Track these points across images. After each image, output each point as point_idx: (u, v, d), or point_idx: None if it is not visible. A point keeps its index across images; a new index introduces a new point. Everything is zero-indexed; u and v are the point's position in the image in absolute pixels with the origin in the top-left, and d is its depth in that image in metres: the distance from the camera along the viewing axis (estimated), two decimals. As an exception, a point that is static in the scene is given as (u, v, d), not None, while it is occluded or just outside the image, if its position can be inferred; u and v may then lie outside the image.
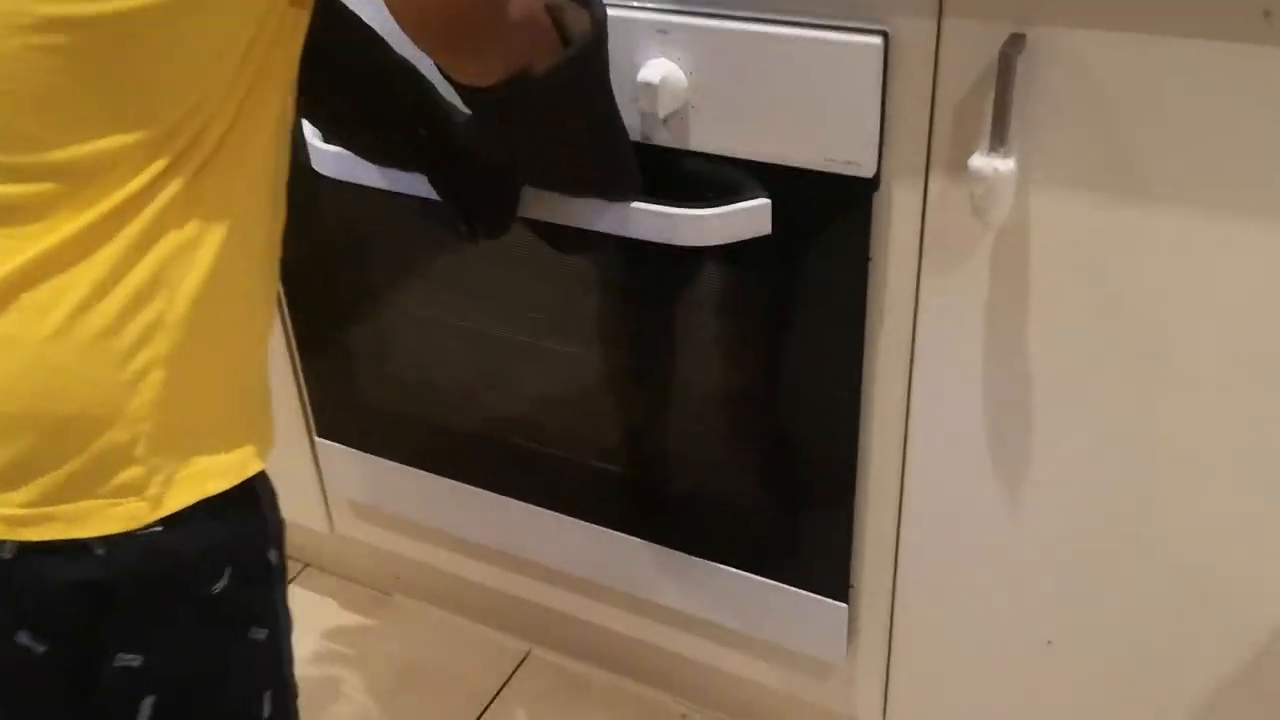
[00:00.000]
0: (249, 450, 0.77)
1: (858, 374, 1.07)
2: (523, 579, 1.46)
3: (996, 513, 1.08)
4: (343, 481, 1.49)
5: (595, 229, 1.05)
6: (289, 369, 1.44)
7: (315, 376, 1.43)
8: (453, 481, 1.39)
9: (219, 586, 0.76)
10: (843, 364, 1.06)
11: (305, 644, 1.59)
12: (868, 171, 0.96)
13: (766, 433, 1.15)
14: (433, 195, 1.08)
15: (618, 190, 1.02)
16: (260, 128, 0.75)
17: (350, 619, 1.65)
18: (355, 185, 1.15)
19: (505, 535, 1.40)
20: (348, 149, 1.08)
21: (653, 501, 1.27)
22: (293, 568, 1.72)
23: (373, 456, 1.43)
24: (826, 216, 1.00)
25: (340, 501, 1.54)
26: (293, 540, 1.67)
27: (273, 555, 0.81)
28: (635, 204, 1.02)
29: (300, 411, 1.47)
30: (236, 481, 0.75)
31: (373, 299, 1.32)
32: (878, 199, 0.98)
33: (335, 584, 1.71)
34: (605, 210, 1.03)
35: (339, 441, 1.45)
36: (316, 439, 1.47)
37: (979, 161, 0.90)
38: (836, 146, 0.96)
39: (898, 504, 1.13)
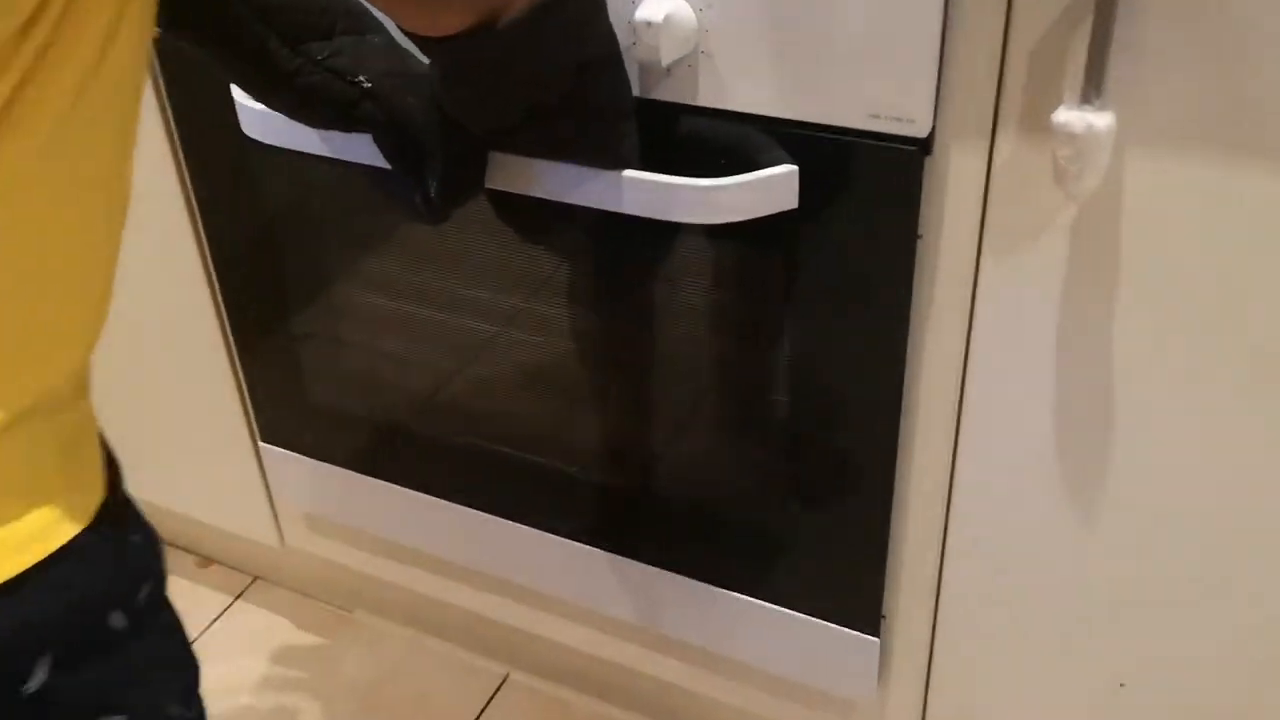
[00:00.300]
0: (57, 510, 0.57)
1: (899, 373, 0.90)
2: (499, 600, 1.30)
3: (1064, 536, 0.91)
4: (292, 491, 1.32)
5: (581, 203, 0.86)
6: (226, 365, 1.27)
7: (256, 374, 1.26)
8: (417, 493, 1.23)
9: (35, 685, 0.56)
10: (883, 362, 0.89)
11: (254, 668, 1.45)
12: (921, 130, 0.78)
13: (786, 440, 0.98)
14: (384, 162, 0.89)
15: (610, 156, 0.84)
16: (71, 84, 0.55)
17: (305, 639, 1.50)
18: (294, 152, 0.98)
19: (479, 553, 1.23)
20: (269, 105, 0.88)
21: (649, 518, 1.11)
22: (239, 581, 1.59)
23: (324, 464, 1.27)
24: (867, 186, 0.82)
25: (290, 513, 1.37)
26: (239, 551, 1.54)
27: (116, 618, 0.61)
28: (630, 173, 0.84)
29: (241, 414, 1.30)
30: (39, 558, 0.56)
31: (319, 285, 1.15)
32: (931, 164, 0.81)
33: (288, 599, 1.56)
34: (594, 180, 0.85)
35: (286, 447, 1.28)
36: (260, 444, 1.30)
37: (1067, 115, 0.72)
38: (882, 99, 0.78)
39: (943, 524, 0.96)
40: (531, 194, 0.87)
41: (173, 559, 1.58)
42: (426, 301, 1.09)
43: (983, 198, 0.81)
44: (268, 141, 0.97)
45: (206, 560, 1.60)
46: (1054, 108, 0.73)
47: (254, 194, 1.11)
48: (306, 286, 1.15)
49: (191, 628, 1.46)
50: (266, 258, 1.15)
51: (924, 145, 0.79)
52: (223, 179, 1.11)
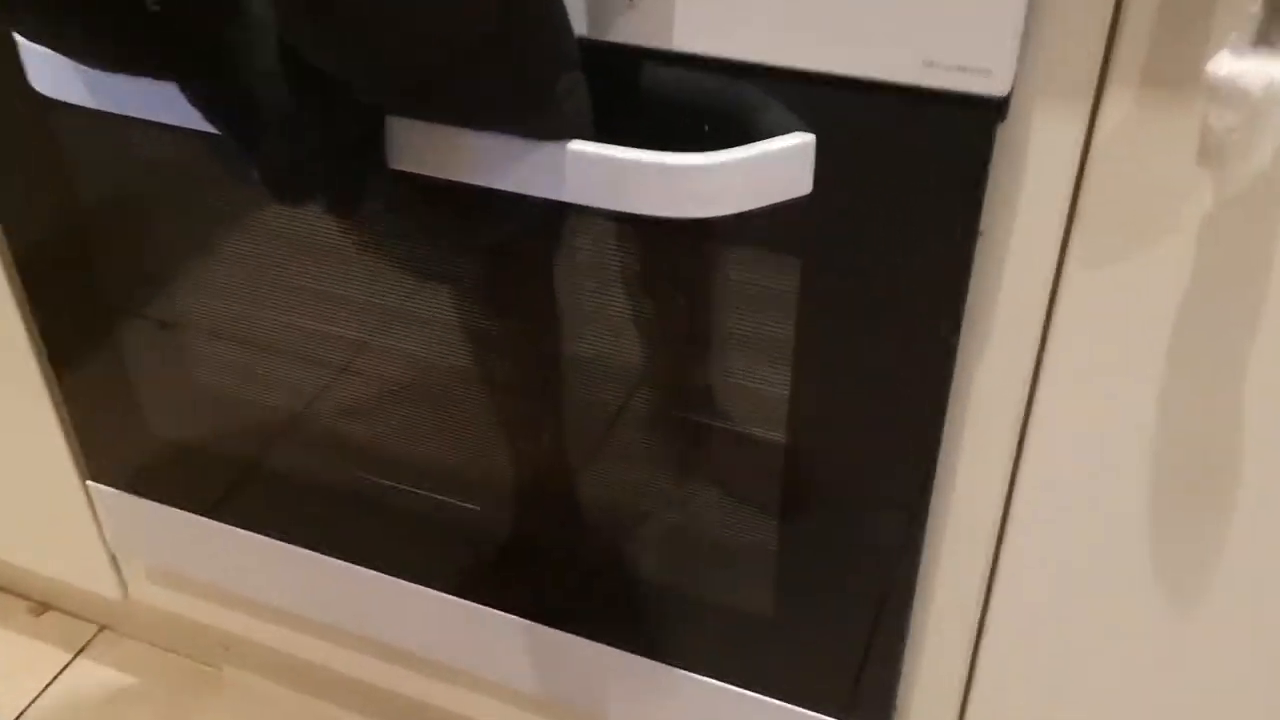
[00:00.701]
0: None
1: (938, 417, 0.67)
2: (392, 668, 1.05)
3: (1150, 636, 0.69)
4: (131, 538, 1.08)
5: (506, 189, 0.61)
6: (41, 389, 1.01)
7: (79, 400, 1.00)
8: (281, 543, 0.99)
9: None
10: (917, 403, 0.67)
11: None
12: (998, 86, 0.54)
13: (779, 491, 0.75)
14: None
15: (546, 122, 0.59)
16: None
17: (162, 701, 1.25)
18: (106, 114, 0.73)
19: (364, 617, 1.00)
20: (33, 39, 0.62)
21: (592, 581, 0.88)
22: (83, 632, 1.34)
23: (167, 507, 1.03)
24: (913, 164, 0.59)
25: (132, 562, 1.13)
26: (79, 597, 1.27)
27: None
28: (576, 146, 0.59)
29: (65, 447, 1.05)
30: None
31: (152, 287, 0.89)
32: (1005, 134, 0.57)
33: (140, 653, 1.31)
34: (525, 157, 0.60)
35: (119, 487, 1.05)
36: (89, 484, 1.05)
37: (1234, 66, 0.49)
38: (944, 43, 0.55)
39: (981, 604, 0.75)
40: (438, 176, 0.62)
41: (2, 605, 1.35)
42: (288, 306, 0.85)
43: (1075, 181, 0.58)
44: (64, 99, 0.71)
45: (41, 606, 1.35)
46: (1204, 53, 0.50)
47: (59, 170, 0.84)
48: (137, 289, 0.90)
49: (25, 690, 1.23)
50: (83, 253, 0.90)
51: (997, 108, 0.56)
52: (16, 151, 0.84)
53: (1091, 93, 0.55)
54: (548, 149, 0.59)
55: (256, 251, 0.84)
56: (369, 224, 0.77)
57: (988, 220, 0.60)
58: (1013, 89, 0.55)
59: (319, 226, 0.80)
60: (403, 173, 0.65)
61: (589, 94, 0.59)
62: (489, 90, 0.58)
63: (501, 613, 0.92)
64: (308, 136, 0.61)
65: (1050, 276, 0.61)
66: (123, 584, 1.16)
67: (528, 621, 0.91)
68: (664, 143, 0.59)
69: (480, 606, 0.93)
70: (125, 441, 1.00)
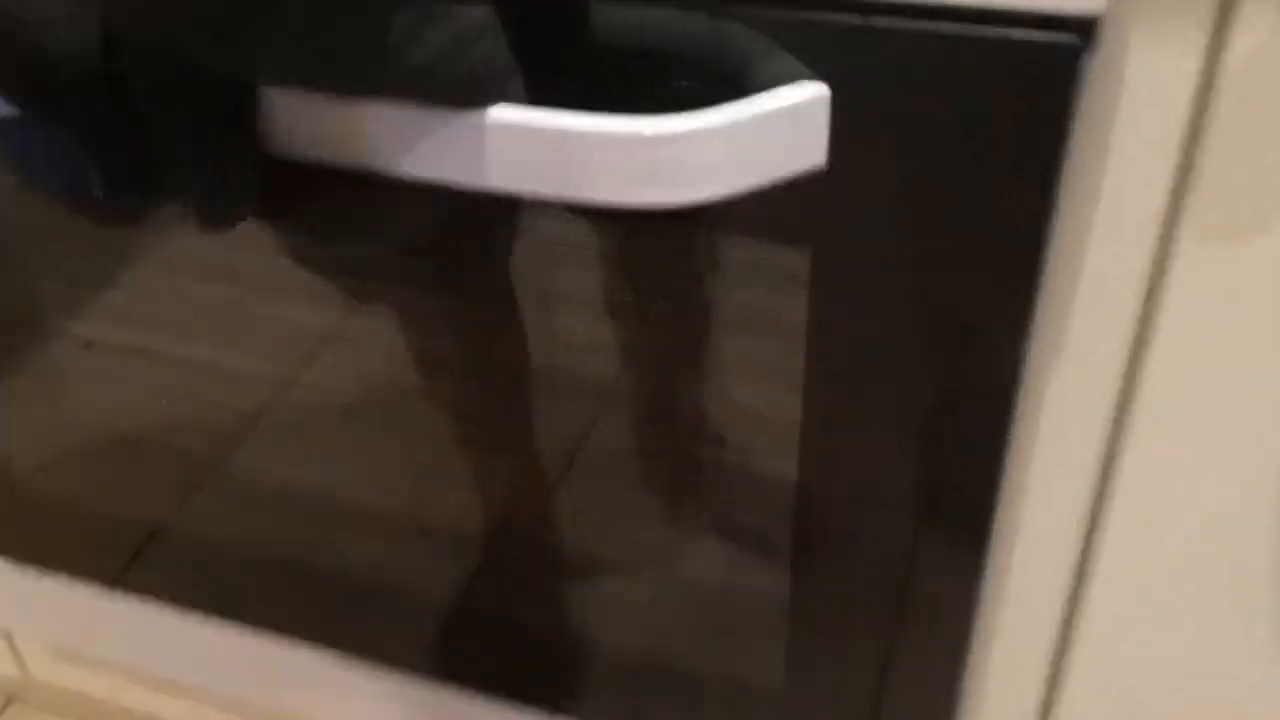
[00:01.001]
0: None
1: (1000, 441, 0.51)
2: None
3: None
4: (19, 612, 0.95)
5: (410, 175, 0.46)
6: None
7: None
8: (198, 616, 0.84)
9: None
10: (971, 426, 0.52)
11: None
12: (1086, 2, 0.39)
13: (791, 545, 0.61)
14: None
15: (448, 79, 0.43)
16: None
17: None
18: None
19: (300, 695, 0.86)
20: None
21: (558, 656, 0.74)
22: None
23: (58, 576, 0.88)
24: (962, 122, 0.43)
25: (29, 638, 0.98)
26: None
27: None
28: (499, 115, 0.43)
29: None
30: None
31: (16, 312, 0.75)
32: (1095, 72, 0.42)
33: None
34: (432, 132, 0.44)
35: None
36: (-42, 550, 0.90)
37: None
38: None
39: (1050, 671, 0.59)
40: (319, 159, 0.47)
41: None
42: (191, 326, 0.70)
43: (1189, 131, 0.43)
44: None
45: (-61, 679, 1.19)
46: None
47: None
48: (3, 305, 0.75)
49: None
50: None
51: (1081, 39, 0.40)
52: None
53: (1213, 11, 0.40)
54: (462, 120, 0.43)
55: (151, 257, 0.69)
56: (267, 232, 0.62)
57: (1066, 192, 0.45)
58: (1102, 17, 0.40)
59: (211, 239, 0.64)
60: (288, 163, 0.50)
61: (504, 40, 0.43)
62: (375, 48, 0.43)
63: (452, 689, 0.78)
64: (148, 115, 0.45)
65: (1149, 262, 0.45)
66: (20, 661, 1.01)
67: (482, 698, 0.78)
68: (622, 105, 0.43)
69: (429, 682, 0.79)
70: (-2, 502, 0.85)
